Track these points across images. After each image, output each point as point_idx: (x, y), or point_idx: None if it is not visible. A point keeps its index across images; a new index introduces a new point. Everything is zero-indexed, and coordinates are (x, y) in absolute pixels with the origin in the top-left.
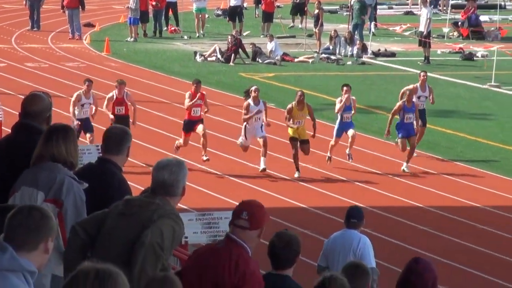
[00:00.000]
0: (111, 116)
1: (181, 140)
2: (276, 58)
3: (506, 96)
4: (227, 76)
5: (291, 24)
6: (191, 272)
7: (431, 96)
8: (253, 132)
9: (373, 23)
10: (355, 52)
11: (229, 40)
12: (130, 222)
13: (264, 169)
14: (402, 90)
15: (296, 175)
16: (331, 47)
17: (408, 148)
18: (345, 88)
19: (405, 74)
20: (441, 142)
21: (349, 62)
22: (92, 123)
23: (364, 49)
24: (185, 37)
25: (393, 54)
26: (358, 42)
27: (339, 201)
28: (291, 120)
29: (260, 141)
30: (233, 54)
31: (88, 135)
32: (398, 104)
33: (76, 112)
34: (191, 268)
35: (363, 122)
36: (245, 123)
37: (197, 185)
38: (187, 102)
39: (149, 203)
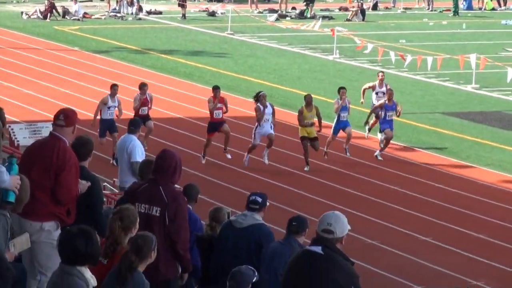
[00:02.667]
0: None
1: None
2: (80, 16)
3: (237, 41)
4: (45, 28)
5: None
6: (25, 161)
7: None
8: (262, 131)
9: None
10: (134, 11)
11: (46, 3)
12: None
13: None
14: (364, 87)
15: (306, 168)
16: (117, 8)
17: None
18: (341, 90)
19: (168, 26)
20: (195, 72)
21: (130, 18)
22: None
23: (140, 9)
24: (14, 1)
25: (160, 12)
26: (136, 3)
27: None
28: (304, 121)
29: (270, 136)
30: (49, 13)
31: (114, 134)
32: (379, 103)
33: (103, 114)
34: (25, 158)
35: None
36: (256, 125)
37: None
38: (210, 107)
39: None
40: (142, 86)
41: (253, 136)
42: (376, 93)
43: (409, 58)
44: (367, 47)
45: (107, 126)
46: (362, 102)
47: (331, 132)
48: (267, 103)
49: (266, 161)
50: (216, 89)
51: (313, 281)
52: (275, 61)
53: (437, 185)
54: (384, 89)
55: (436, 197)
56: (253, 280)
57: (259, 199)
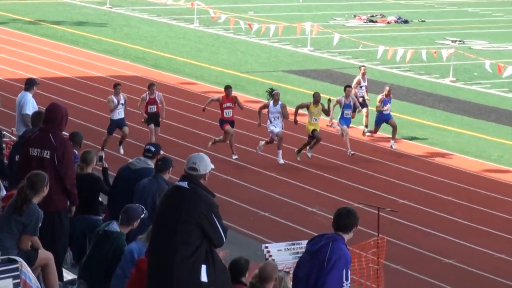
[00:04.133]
0: (145, 115)
1: (221, 137)
2: None
3: (115, 13)
4: None
5: None
6: None
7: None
8: (273, 130)
9: None
10: None
11: None
12: None
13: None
14: (353, 85)
15: (309, 154)
16: None
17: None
18: (347, 89)
19: (57, 2)
20: (80, 39)
21: None
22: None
23: None
24: None
25: None
26: None
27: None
28: (312, 116)
29: (278, 134)
30: None
31: (124, 128)
32: (378, 97)
33: (112, 114)
34: None
35: None
36: (268, 121)
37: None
38: (210, 100)
39: None
40: (151, 86)
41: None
42: (361, 87)
43: (255, 26)
44: (220, 17)
45: (117, 125)
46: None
47: (340, 126)
48: (279, 102)
49: (281, 161)
50: (228, 88)
51: (180, 210)
52: (146, 30)
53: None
54: (367, 82)
55: None
56: (142, 216)
57: (153, 149)
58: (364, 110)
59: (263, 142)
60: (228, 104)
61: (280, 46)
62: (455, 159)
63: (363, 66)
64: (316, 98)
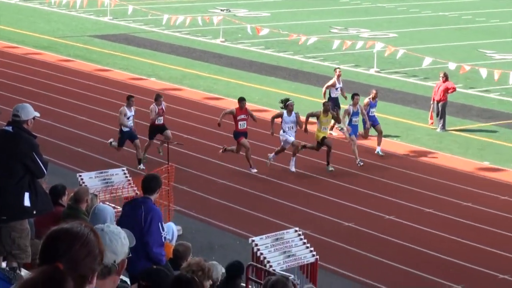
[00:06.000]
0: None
1: (234, 147)
2: None
3: None
4: None
5: None
6: None
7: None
8: (288, 139)
9: None
10: None
11: None
12: None
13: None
14: (324, 87)
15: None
16: None
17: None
18: (356, 97)
19: None
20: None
21: None
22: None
23: None
24: None
25: None
26: None
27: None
28: (321, 125)
29: (294, 143)
30: None
31: (136, 141)
32: (365, 101)
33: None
34: None
35: None
36: (281, 130)
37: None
38: (226, 112)
39: None
40: (158, 98)
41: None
42: (336, 89)
43: (64, 0)
44: None
45: (128, 136)
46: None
47: (348, 135)
48: (293, 112)
49: (293, 169)
50: (241, 100)
51: (6, 151)
52: None
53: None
54: (342, 84)
55: None
56: None
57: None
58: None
59: (272, 154)
60: (243, 116)
61: (86, 16)
62: (224, 102)
63: (338, 68)
64: (326, 107)
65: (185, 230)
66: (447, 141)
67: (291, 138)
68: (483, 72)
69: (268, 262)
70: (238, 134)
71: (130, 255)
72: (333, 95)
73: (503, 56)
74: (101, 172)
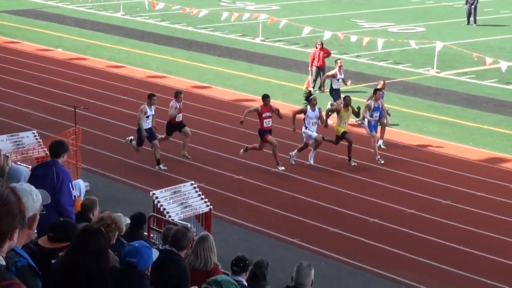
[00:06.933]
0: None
1: (256, 145)
2: None
3: None
4: None
5: None
6: None
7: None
8: (312, 135)
9: None
10: None
11: None
12: None
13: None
14: (324, 77)
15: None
16: None
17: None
18: (378, 92)
19: None
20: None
21: None
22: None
23: None
24: None
25: None
26: None
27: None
28: (342, 120)
29: (317, 138)
30: None
31: (154, 141)
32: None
33: (143, 123)
34: None
35: None
36: (303, 126)
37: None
38: (249, 111)
39: None
40: (178, 94)
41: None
42: (338, 80)
43: None
44: None
45: (147, 135)
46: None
47: (369, 132)
48: (316, 107)
49: (312, 162)
50: (266, 97)
51: None
52: None
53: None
54: (343, 75)
55: None
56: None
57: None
58: (339, 101)
59: (294, 151)
60: (268, 114)
61: None
62: (126, 69)
63: (340, 59)
64: (347, 101)
65: (93, 186)
66: (325, 102)
67: (314, 134)
68: (354, 39)
69: (168, 212)
70: (264, 132)
71: (44, 211)
72: (335, 86)
73: (372, 25)
74: (12, 135)
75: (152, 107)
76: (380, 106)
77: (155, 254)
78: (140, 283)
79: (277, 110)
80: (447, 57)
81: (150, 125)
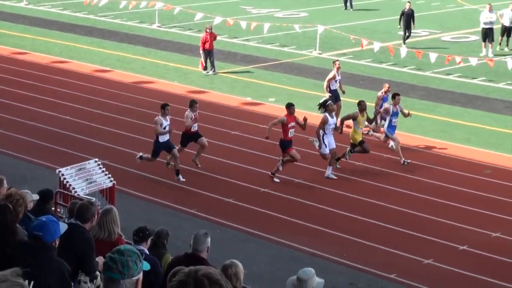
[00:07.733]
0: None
1: (288, 157)
2: None
3: None
4: None
5: None
6: None
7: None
8: (330, 141)
9: None
10: None
11: None
12: None
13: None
14: (326, 80)
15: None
16: None
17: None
18: (397, 97)
19: None
20: None
21: None
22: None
23: None
24: None
25: None
26: None
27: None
28: (358, 126)
29: (332, 150)
30: None
31: (173, 151)
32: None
33: (159, 136)
34: None
35: None
36: (322, 133)
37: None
38: (274, 123)
39: None
40: (193, 104)
41: (323, 145)
42: (336, 81)
43: None
44: None
45: (164, 147)
46: (343, 91)
47: (388, 135)
48: (333, 114)
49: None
50: (291, 106)
51: None
52: None
53: None
54: (340, 77)
55: None
56: None
57: None
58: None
59: (327, 171)
60: (293, 124)
61: None
62: (31, 56)
63: (337, 60)
64: (363, 106)
65: (1, 165)
66: (218, 82)
67: (327, 150)
68: (243, 24)
69: (73, 188)
70: (288, 144)
71: None
72: (332, 88)
73: (259, 11)
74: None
75: (167, 117)
76: (399, 112)
77: (63, 227)
78: (47, 254)
79: (305, 119)
80: (328, 39)
81: (167, 138)
